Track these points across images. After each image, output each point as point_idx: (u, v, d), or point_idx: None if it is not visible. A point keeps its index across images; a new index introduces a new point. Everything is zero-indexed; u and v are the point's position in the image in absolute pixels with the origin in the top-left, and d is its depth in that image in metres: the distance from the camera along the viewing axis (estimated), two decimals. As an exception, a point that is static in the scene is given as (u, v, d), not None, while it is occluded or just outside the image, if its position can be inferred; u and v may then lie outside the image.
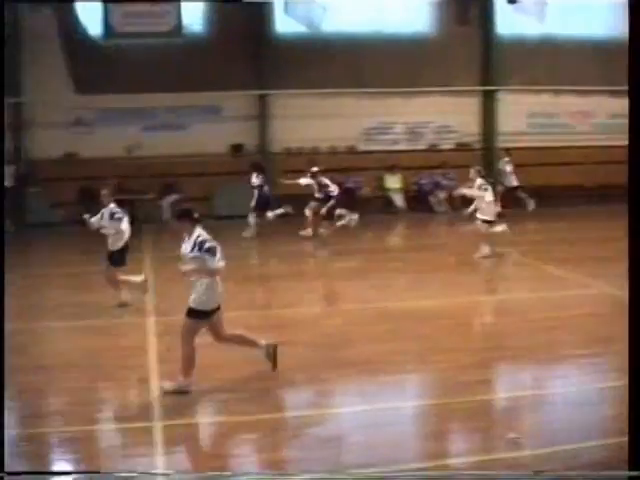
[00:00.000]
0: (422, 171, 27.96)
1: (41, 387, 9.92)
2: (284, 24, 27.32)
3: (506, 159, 26.57)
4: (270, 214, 22.12)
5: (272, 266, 19.40)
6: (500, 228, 18.52)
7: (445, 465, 7.39)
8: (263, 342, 9.95)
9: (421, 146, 28.91)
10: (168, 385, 9.28)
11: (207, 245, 9.16)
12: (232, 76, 26.48)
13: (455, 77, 28.10)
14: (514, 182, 26.33)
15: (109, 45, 26.45)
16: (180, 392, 9.20)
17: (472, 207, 18.47)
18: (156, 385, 9.48)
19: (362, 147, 28.44)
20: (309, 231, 21.34)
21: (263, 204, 22.42)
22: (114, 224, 13.92)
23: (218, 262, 9.25)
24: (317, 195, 21.11)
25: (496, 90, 28.46)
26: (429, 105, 28.41)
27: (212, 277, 9.24)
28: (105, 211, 14.03)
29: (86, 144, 26.43)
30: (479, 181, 18.19)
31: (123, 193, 26.61)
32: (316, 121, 26.79)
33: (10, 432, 8.56)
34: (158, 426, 8.25)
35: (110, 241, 14.03)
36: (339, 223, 21.13)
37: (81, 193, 26.35)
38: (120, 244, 14.01)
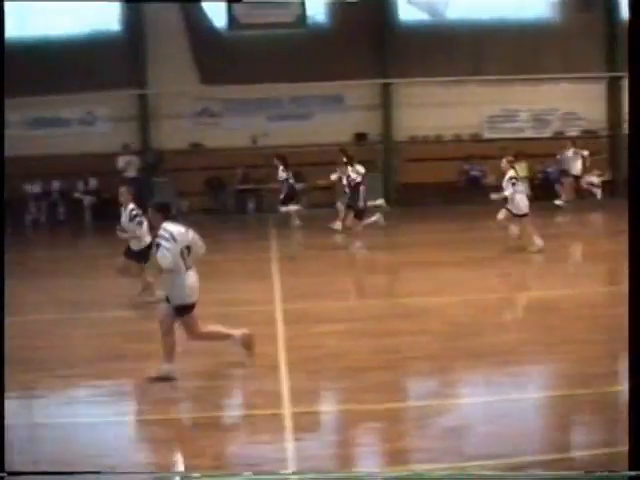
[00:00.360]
0: (548, 159, 27.48)
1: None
2: (407, 12, 27.18)
3: (572, 149, 25.74)
4: (290, 207, 21.92)
5: (389, 255, 19.31)
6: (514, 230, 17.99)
7: (571, 457, 7.24)
8: (238, 332, 9.96)
9: (547, 134, 28.42)
10: (154, 372, 9.51)
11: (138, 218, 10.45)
12: (355, 65, 26.49)
13: (579, 63, 27.47)
14: (579, 171, 25.57)
15: (234, 36, 26.78)
16: (167, 378, 9.42)
17: (497, 195, 17.77)
18: (284, 373, 9.56)
19: (486, 135, 28.13)
20: (338, 224, 20.78)
21: (289, 197, 22.46)
22: (133, 227, 13.35)
23: (165, 258, 9.36)
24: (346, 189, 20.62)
25: (622, 77, 27.73)
26: (554, 92, 27.92)
27: (178, 272, 9.49)
28: (124, 212, 13.46)
29: (211, 134, 26.88)
30: (511, 173, 17.51)
31: (248, 183, 27.05)
32: (440, 109, 26.62)
33: (142, 417, 8.83)
34: (286, 413, 8.30)
35: (131, 242, 13.60)
36: (368, 221, 20.03)
37: (207, 183, 26.82)
38: (142, 245, 13.38)
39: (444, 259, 17.92)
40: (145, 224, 13.14)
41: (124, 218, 13.40)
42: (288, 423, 8.01)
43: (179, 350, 9.80)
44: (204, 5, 26.74)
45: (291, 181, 22.58)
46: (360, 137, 27.51)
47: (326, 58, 26.14)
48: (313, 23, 26.99)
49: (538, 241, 17.38)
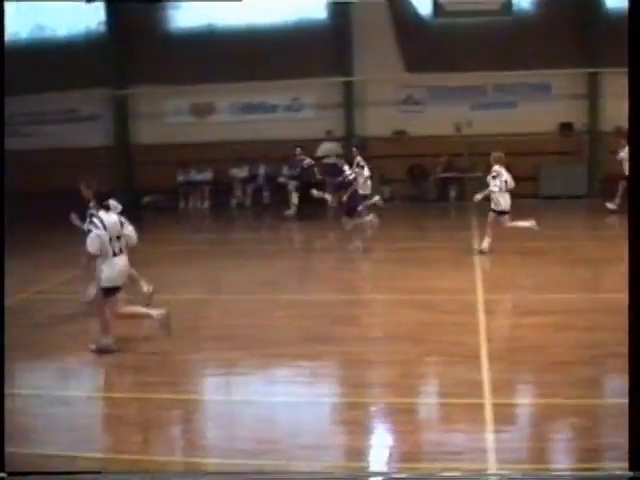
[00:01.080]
0: None
1: (371, 358, 10.22)
2: (614, -1, 26.31)
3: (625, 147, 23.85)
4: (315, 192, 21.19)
5: (594, 249, 18.73)
6: (528, 223, 17.03)
7: None
8: (154, 312, 10.78)
9: None
10: (93, 346, 10.58)
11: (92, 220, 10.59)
12: (561, 53, 25.82)
13: None
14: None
15: (438, 24, 26.65)
16: (106, 351, 10.43)
17: (481, 195, 17.05)
18: (485, 363, 9.47)
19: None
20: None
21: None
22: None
23: (93, 244, 10.41)
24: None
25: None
26: None
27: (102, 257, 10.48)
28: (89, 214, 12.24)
29: (415, 122, 26.87)
30: (495, 168, 16.80)
31: (451, 171, 26.91)
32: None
33: (341, 400, 8.95)
34: (487, 404, 8.22)
35: None
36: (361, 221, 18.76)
37: (410, 171, 26.86)
38: None
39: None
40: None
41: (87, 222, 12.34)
42: (488, 414, 7.94)
43: (381, 335, 9.87)
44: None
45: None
46: (566, 127, 26.82)
47: (532, 46, 25.58)
48: (519, 10, 26.51)
49: (486, 244, 16.68)
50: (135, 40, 28.07)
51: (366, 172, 20.39)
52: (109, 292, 10.62)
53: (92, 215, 10.94)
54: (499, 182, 16.69)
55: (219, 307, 13.50)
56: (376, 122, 27.08)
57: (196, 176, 28.12)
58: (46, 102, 28.56)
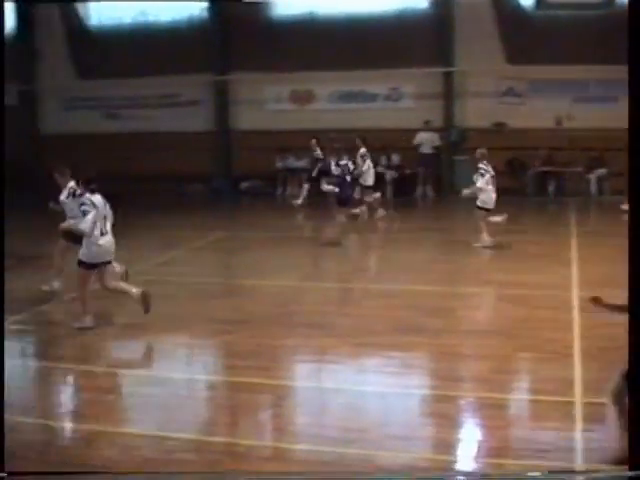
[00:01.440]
0: None
1: (462, 351, 10.19)
2: None
3: None
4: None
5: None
6: (498, 218, 17.10)
7: None
8: (134, 290, 11.35)
9: None
10: (76, 324, 11.13)
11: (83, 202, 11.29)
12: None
13: None
14: None
15: (541, 16, 26.28)
16: (86, 328, 10.99)
17: (468, 191, 17.24)
18: (578, 361, 9.37)
19: None
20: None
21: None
22: (72, 205, 12.45)
23: (86, 223, 11.05)
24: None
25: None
26: None
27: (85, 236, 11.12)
28: (64, 191, 12.81)
29: (515, 114, 26.57)
30: (481, 165, 16.93)
31: (551, 165, 26.56)
32: None
33: (424, 392, 8.94)
34: (577, 402, 8.13)
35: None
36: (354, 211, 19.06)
37: (508, 163, 26.58)
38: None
39: None
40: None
41: (63, 196, 12.82)
42: (578, 412, 7.86)
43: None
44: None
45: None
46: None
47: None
48: (621, 4, 25.94)
49: (487, 238, 16.80)
50: (237, 27, 28.36)
51: (368, 164, 21.21)
52: (89, 267, 11.26)
53: (81, 197, 11.55)
54: (487, 179, 16.94)
55: (311, 294, 13.61)
56: (476, 113, 26.86)
57: (294, 163, 28.30)
58: (148, 86, 29.06)
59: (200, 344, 10.74)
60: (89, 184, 11.45)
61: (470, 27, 26.04)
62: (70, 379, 9.67)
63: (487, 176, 16.96)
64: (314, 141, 23.87)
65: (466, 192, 17.43)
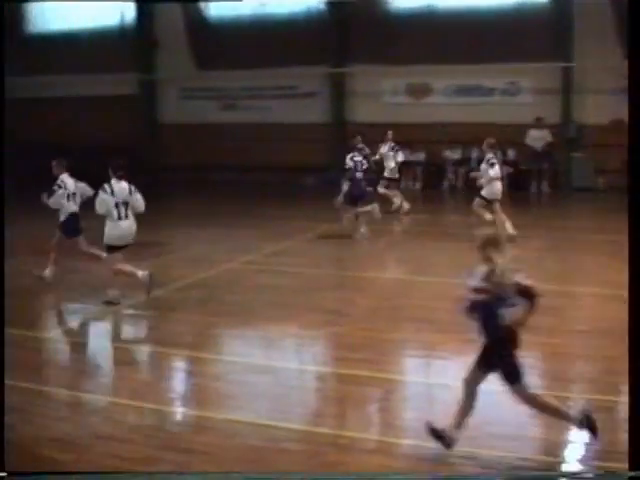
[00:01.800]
0: None
1: (572, 351, 10.06)
2: None
3: None
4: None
5: None
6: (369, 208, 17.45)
7: None
8: (140, 272, 12.05)
9: None
10: (107, 297, 12.01)
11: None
12: None
13: None
14: None
15: None
16: (113, 303, 11.92)
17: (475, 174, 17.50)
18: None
19: None
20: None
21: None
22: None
23: (100, 205, 11.96)
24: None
25: None
26: None
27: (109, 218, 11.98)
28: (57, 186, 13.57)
29: (634, 112, 26.01)
30: (488, 155, 16.83)
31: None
32: None
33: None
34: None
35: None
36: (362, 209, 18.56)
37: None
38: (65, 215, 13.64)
39: None
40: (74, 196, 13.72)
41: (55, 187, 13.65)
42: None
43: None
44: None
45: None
46: None
47: None
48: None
49: (509, 226, 16.59)
50: (354, 19, 28.44)
51: (400, 156, 21.86)
52: (111, 249, 12.13)
53: (103, 183, 12.22)
54: (497, 169, 17.00)
55: (419, 288, 13.59)
56: (594, 110, 26.35)
57: (409, 156, 28.20)
58: (265, 78, 29.38)
59: (309, 334, 10.85)
60: (117, 171, 12.18)
61: (590, 22, 25.58)
62: (180, 365, 9.91)
63: (497, 167, 17.02)
64: (359, 137, 21.55)
65: (475, 174, 17.90)
